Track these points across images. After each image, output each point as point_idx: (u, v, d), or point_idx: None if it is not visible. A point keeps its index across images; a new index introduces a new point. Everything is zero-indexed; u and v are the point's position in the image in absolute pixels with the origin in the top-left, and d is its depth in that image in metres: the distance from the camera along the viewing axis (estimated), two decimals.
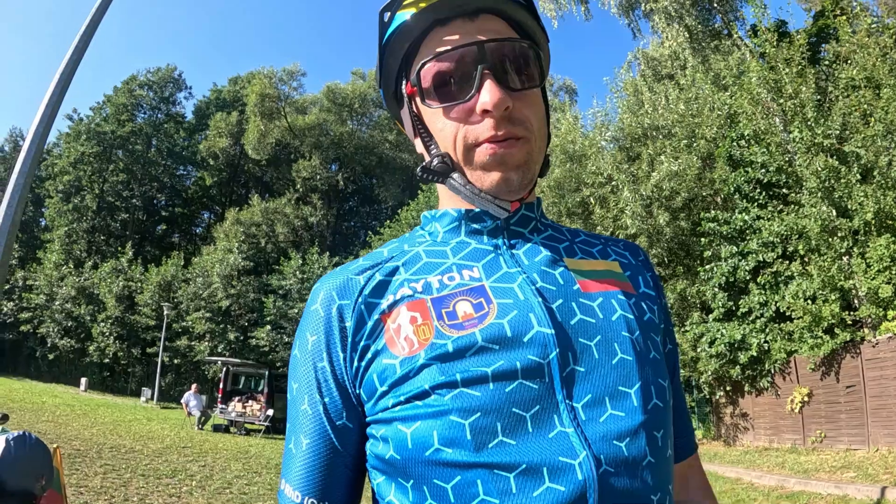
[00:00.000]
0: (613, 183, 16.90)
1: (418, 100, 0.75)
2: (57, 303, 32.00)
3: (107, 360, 31.12)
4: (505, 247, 0.76)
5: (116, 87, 42.19)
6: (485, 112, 0.69)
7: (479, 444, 0.61)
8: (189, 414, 17.66)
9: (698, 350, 13.44)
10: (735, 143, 13.12)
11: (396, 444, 0.65)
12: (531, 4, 0.77)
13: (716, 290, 13.16)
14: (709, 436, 15.01)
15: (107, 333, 31.11)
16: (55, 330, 31.67)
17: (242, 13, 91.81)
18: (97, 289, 32.42)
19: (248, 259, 32.12)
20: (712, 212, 13.70)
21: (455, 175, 0.74)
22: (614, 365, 0.67)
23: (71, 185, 38.61)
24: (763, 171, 12.09)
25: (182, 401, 18.63)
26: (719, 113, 14.21)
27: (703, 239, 14.08)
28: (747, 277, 12.38)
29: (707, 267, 13.58)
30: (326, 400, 0.71)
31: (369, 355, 0.69)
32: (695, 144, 14.93)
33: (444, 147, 0.74)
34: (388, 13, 0.76)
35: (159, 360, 27.20)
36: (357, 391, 0.70)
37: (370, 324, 0.70)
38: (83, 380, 27.47)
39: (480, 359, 0.65)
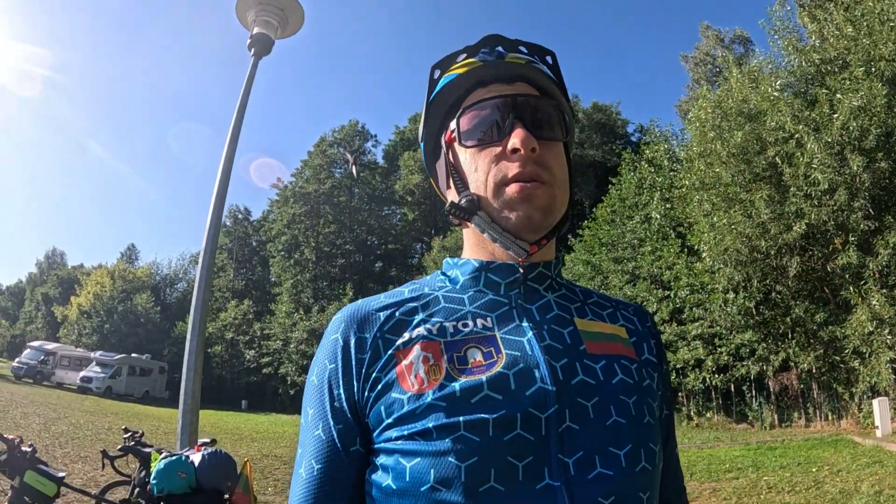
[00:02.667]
0: (797, 136, 14.76)
1: (456, 144, 0.82)
2: (292, 346, 37.21)
3: None
4: (519, 301, 0.80)
5: (310, 151, 47.56)
6: (514, 151, 0.76)
7: (470, 488, 0.64)
8: None
9: None
10: None
11: (395, 475, 0.68)
12: (561, 81, 0.87)
13: None
14: None
15: None
16: (293, 369, 36.76)
17: (407, 53, 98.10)
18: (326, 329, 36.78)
19: None
20: None
21: (481, 213, 0.79)
22: (608, 426, 0.70)
23: (289, 243, 44.32)
24: None
25: None
26: (892, 25, 11.66)
27: None
28: None
29: None
30: (341, 426, 0.74)
31: (379, 387, 0.72)
32: (873, 69, 12.46)
33: (475, 189, 0.80)
34: (439, 71, 0.85)
35: None
36: (366, 420, 0.74)
37: (384, 358, 0.74)
38: None
39: (484, 405, 0.67)
